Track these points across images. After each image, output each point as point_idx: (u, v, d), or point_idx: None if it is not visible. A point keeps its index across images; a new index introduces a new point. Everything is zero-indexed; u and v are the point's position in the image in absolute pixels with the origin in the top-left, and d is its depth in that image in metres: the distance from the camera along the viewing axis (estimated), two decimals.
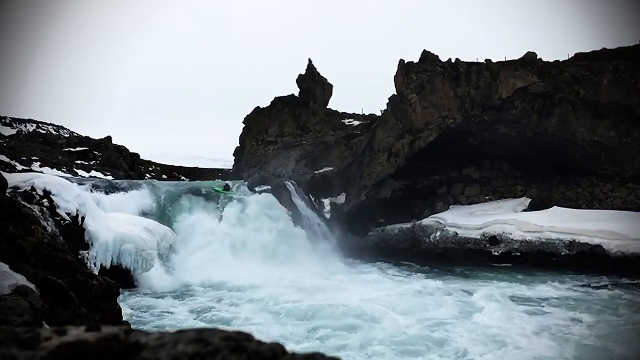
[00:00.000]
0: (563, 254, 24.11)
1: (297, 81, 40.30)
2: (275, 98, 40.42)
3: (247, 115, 41.02)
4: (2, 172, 8.56)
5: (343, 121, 40.54)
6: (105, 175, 40.62)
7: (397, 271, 25.16)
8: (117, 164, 45.97)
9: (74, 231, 15.76)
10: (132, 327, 8.68)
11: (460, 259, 26.43)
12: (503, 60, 30.43)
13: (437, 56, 31.19)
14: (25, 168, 35.44)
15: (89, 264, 15.64)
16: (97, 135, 56.10)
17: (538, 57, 30.38)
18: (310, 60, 40.72)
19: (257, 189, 29.22)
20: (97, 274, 12.06)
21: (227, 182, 30.65)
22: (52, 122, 66.96)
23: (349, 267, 25.92)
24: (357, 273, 24.21)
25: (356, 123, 39.50)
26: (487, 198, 31.76)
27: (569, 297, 18.36)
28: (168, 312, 16.19)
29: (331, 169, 32.71)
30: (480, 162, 32.90)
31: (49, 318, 5.90)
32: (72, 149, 48.32)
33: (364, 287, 20.26)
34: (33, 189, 15.36)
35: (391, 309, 16.07)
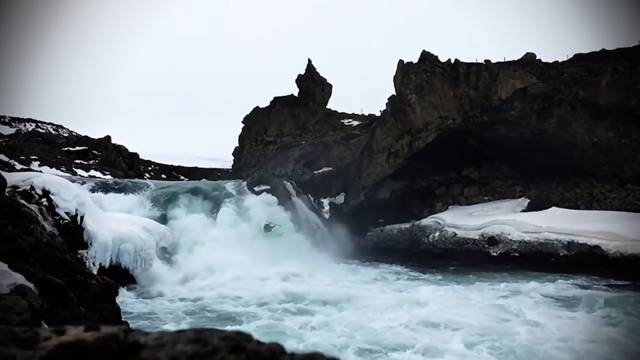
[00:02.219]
0: (561, 254, 24.12)
1: (296, 81, 40.32)
2: (275, 98, 40.43)
3: (246, 115, 41.03)
4: (1, 171, 8.55)
5: (342, 121, 40.57)
6: (104, 174, 40.62)
7: (405, 274, 24.61)
8: (115, 163, 45.99)
9: (73, 230, 15.75)
10: (131, 326, 8.69)
11: (459, 259, 26.44)
12: (502, 60, 30.47)
13: (436, 56, 31.20)
14: (24, 167, 35.43)
15: (87, 264, 15.62)
16: (96, 134, 56.03)
17: (537, 58, 30.40)
18: (309, 60, 40.75)
19: (255, 189, 29.20)
20: (95, 273, 12.06)
21: (269, 223, 26.46)
22: (51, 121, 66.99)
23: (353, 268, 25.41)
24: (370, 279, 22.95)
25: (355, 123, 39.52)
26: (486, 198, 31.77)
27: (594, 297, 18.30)
28: (166, 312, 16.18)
29: (330, 169, 32.73)
30: (479, 163, 32.90)
31: (48, 317, 5.90)
32: (71, 148, 48.34)
33: (385, 297, 18.63)
34: (32, 188, 15.35)
35: (437, 326, 14.49)
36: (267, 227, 26.09)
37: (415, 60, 31.33)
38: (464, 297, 18.59)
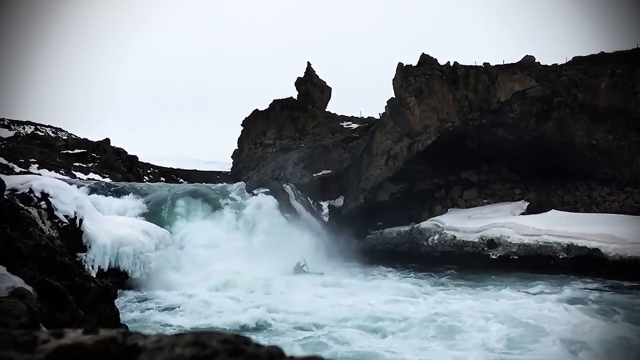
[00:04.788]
0: (561, 257, 24.12)
1: (296, 84, 40.34)
2: (274, 100, 40.45)
3: (246, 118, 41.04)
4: None
5: (341, 124, 40.62)
6: (103, 177, 40.60)
7: (412, 278, 23.81)
8: (115, 166, 45.95)
9: (72, 233, 15.74)
10: (129, 329, 8.67)
11: (458, 262, 26.42)
12: (501, 63, 30.53)
13: (436, 59, 31.27)
14: (23, 170, 35.38)
15: (86, 267, 15.62)
16: (95, 137, 56.01)
17: (536, 61, 30.48)
18: (309, 63, 40.78)
19: (255, 192, 29.17)
20: (94, 276, 12.04)
21: (300, 263, 24.22)
22: (50, 124, 66.80)
23: (359, 274, 24.96)
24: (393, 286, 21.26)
25: (354, 126, 39.57)
26: (485, 201, 31.80)
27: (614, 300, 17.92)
28: (165, 315, 16.14)
29: (329, 171, 32.74)
30: (478, 165, 32.94)
31: (47, 320, 5.89)
32: (70, 151, 48.29)
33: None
34: (31, 190, 15.35)
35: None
36: (298, 269, 23.90)
37: (414, 63, 31.40)
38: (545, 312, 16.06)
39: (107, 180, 38.16)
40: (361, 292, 19.88)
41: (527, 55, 30.65)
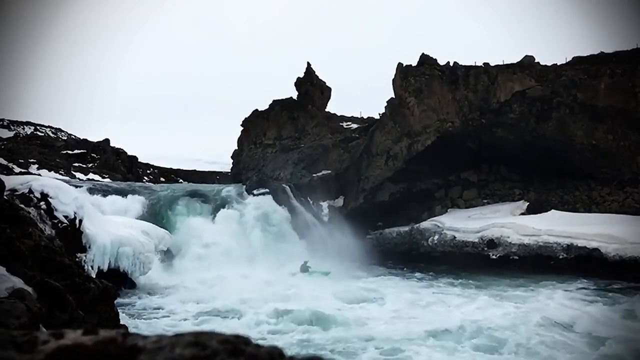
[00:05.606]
0: (561, 257, 24.12)
1: (296, 84, 40.29)
2: (274, 101, 40.37)
3: (245, 118, 40.97)
4: None
5: (341, 124, 40.60)
6: (103, 177, 40.62)
7: (421, 281, 23.38)
8: (114, 167, 46.00)
9: (72, 234, 15.73)
10: (129, 330, 8.65)
11: (458, 262, 26.41)
12: (501, 63, 30.53)
13: (435, 59, 31.27)
14: (23, 170, 35.40)
15: (86, 267, 15.61)
16: (95, 137, 56.02)
17: (536, 61, 30.48)
18: (308, 64, 40.73)
19: (254, 192, 29.18)
20: (94, 276, 12.03)
21: (306, 263, 23.92)
22: (50, 124, 66.81)
23: (364, 274, 24.54)
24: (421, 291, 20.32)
25: (354, 126, 39.55)
26: (485, 201, 31.79)
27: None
28: (165, 315, 16.14)
29: (329, 172, 32.72)
30: (478, 166, 32.93)
31: (46, 321, 5.89)
32: (69, 152, 48.35)
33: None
34: (30, 191, 15.34)
35: None
36: (304, 267, 23.61)
37: (414, 63, 31.40)
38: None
39: (107, 180, 38.17)
40: (377, 296, 18.96)
41: (527, 55, 30.64)
